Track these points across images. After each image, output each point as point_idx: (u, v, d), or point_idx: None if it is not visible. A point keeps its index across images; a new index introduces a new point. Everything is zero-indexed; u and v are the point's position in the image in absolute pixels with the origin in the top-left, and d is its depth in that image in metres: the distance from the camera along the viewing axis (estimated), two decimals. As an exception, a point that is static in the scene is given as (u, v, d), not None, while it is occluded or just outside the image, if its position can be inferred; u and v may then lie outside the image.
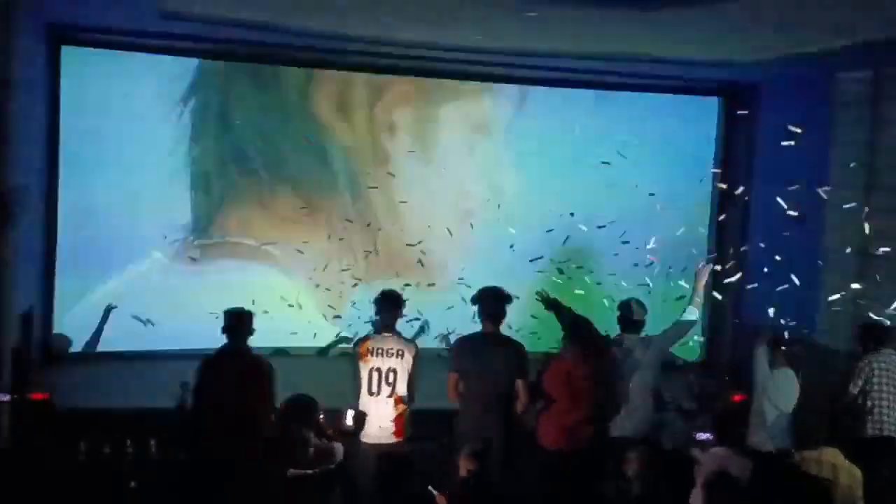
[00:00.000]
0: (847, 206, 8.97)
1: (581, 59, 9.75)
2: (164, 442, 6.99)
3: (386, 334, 6.81)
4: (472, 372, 6.67)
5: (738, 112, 11.00)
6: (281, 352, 9.38)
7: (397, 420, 6.70)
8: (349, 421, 6.56)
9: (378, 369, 6.69)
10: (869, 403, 7.18)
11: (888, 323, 7.35)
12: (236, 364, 6.42)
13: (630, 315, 7.02)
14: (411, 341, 7.01)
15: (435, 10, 7.61)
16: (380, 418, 6.68)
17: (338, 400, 6.76)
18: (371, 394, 6.71)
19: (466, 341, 6.87)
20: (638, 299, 7.19)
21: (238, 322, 6.50)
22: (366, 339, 6.86)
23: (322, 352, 10.16)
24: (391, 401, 6.69)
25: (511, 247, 10.41)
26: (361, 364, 6.73)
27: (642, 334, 7.05)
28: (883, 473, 6.63)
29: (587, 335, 6.69)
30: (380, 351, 6.73)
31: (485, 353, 6.68)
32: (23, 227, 8.38)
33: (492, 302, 6.76)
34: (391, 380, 6.68)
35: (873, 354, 7.25)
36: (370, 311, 7.15)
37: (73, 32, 9.45)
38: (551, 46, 9.27)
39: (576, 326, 6.71)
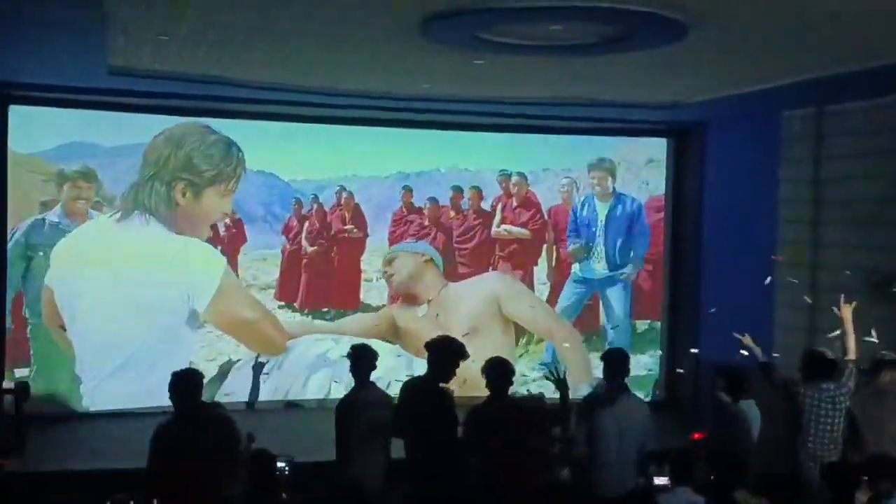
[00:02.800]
0: (793, 280, 9.14)
1: (527, 104, 9.84)
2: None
3: None
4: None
5: (686, 151, 11.22)
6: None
7: None
8: None
9: None
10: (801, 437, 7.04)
11: (830, 354, 7.29)
12: (189, 428, 6.26)
13: None
14: None
15: (381, 59, 7.66)
16: None
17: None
18: None
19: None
20: None
21: (186, 384, 6.29)
22: None
23: None
24: None
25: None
26: None
27: None
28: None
29: None
30: None
31: None
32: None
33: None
34: None
35: (809, 385, 7.10)
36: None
37: (21, 91, 9.39)
38: (500, 93, 9.36)
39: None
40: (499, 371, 6.52)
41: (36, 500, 7.56)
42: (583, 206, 11.50)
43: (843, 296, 7.31)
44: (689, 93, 9.22)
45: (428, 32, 6.51)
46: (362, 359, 6.68)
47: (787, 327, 9.33)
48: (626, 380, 6.83)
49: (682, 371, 10.81)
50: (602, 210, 11.47)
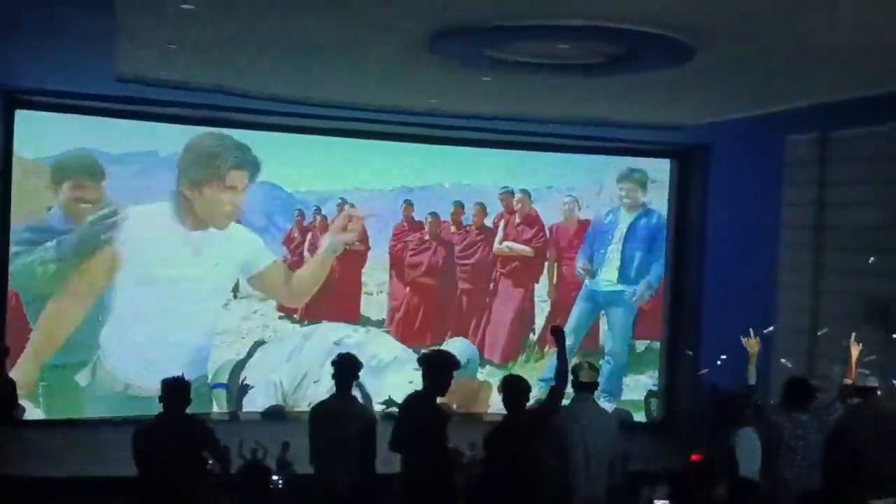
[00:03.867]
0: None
1: (532, 121, 9.87)
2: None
3: None
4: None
5: (690, 173, 11.25)
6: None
7: None
8: None
9: None
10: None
11: (814, 382, 7.24)
12: (170, 435, 6.31)
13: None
14: None
15: (391, 74, 7.69)
16: None
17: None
18: None
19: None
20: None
21: (176, 392, 6.38)
22: None
23: None
24: None
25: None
26: None
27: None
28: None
29: None
30: None
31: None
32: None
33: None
34: None
35: (785, 414, 6.97)
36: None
37: (28, 96, 9.42)
38: (505, 110, 9.40)
39: None
40: (514, 389, 6.60)
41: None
42: (605, 216, 11.53)
43: (854, 334, 7.29)
44: (694, 115, 9.26)
45: (436, 49, 6.53)
46: (346, 369, 6.70)
47: (787, 352, 9.31)
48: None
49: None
50: (626, 220, 11.49)
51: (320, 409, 6.72)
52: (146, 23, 6.26)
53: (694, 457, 7.77)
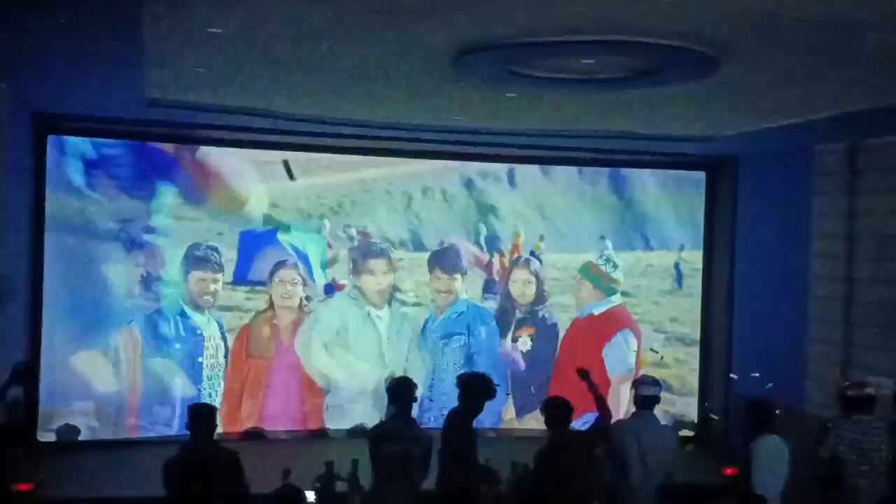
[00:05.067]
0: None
1: (564, 136, 9.87)
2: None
3: None
4: None
5: (719, 184, 11.21)
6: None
7: None
8: None
9: None
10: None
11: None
12: (202, 463, 6.32)
13: None
14: None
15: (416, 91, 7.72)
16: None
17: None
18: None
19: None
20: None
21: (202, 418, 6.41)
22: None
23: None
24: None
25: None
26: None
27: None
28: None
29: None
30: None
31: None
32: (7, 315, 8.34)
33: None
34: None
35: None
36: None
37: (60, 121, 9.55)
38: (532, 124, 9.40)
39: None
40: (557, 410, 6.72)
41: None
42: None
43: None
44: (722, 126, 9.21)
45: (460, 65, 6.56)
46: (403, 392, 6.81)
47: (820, 361, 9.24)
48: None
49: (714, 416, 10.81)
50: None
51: (379, 431, 6.84)
52: (174, 47, 6.33)
53: (728, 471, 7.75)
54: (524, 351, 11.23)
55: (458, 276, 11.13)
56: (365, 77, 7.17)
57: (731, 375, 10.13)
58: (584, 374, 7.06)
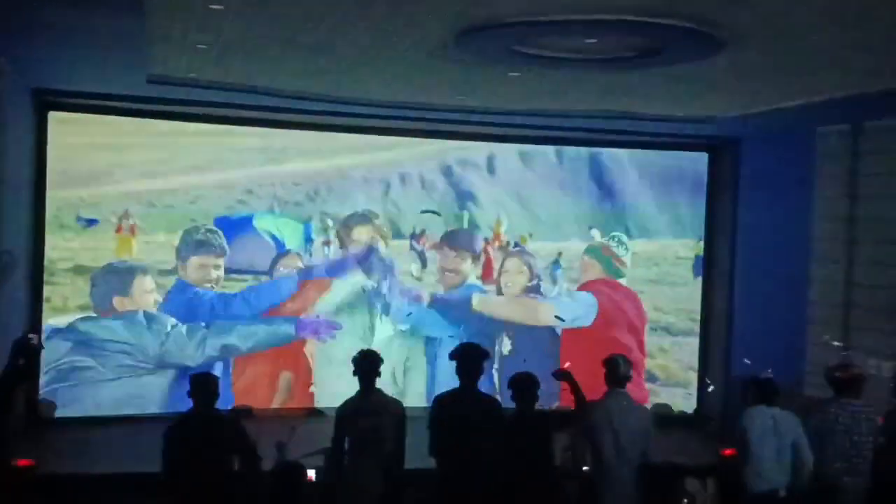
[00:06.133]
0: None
1: (566, 117, 9.84)
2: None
3: None
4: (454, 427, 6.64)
5: (721, 166, 11.19)
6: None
7: None
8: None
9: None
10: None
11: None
12: (203, 430, 6.38)
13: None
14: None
15: (421, 71, 7.70)
16: None
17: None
18: None
19: (445, 398, 6.87)
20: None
21: (204, 387, 6.46)
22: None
23: None
24: None
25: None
26: None
27: None
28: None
29: None
30: None
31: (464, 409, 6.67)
32: (8, 290, 8.35)
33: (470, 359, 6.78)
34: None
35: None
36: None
37: (60, 97, 9.52)
38: (534, 105, 9.37)
39: None
40: (521, 385, 6.73)
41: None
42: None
43: None
44: (724, 107, 9.19)
45: (463, 45, 6.53)
46: (367, 364, 6.78)
47: (821, 343, 9.25)
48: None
49: (711, 386, 10.81)
50: None
51: (346, 407, 6.79)
52: (176, 23, 6.30)
53: (726, 451, 7.79)
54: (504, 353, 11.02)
55: (468, 256, 11.05)
56: (367, 56, 7.15)
57: (745, 361, 10.12)
58: (563, 375, 7.05)
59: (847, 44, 6.26)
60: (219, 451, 6.32)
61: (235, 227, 10.45)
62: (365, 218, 10.79)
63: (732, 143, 11.04)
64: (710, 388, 10.85)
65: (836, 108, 8.45)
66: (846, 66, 6.95)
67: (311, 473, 6.71)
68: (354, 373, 6.79)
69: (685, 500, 7.07)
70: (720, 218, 11.33)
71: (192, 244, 10.21)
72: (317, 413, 10.13)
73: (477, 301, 10.86)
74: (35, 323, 9.55)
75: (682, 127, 10.26)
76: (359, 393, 6.80)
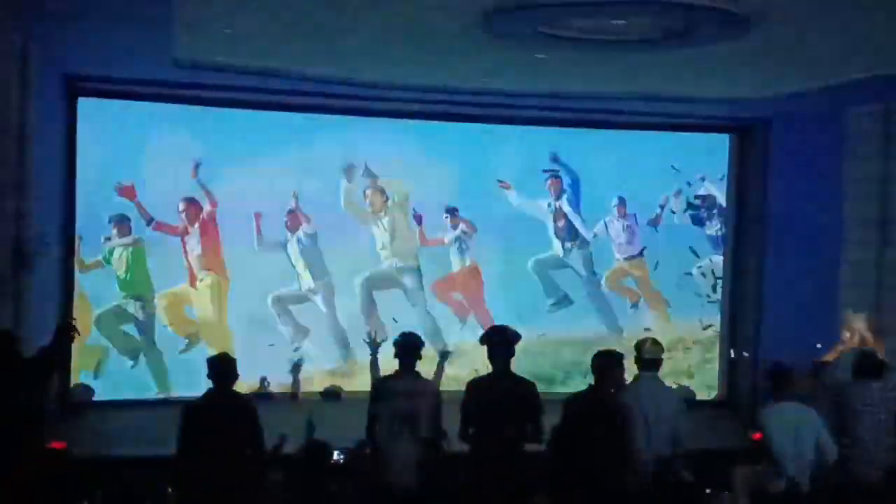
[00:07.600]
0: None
1: (591, 98, 9.79)
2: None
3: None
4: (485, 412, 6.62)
5: (750, 148, 11.08)
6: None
7: None
8: None
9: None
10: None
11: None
12: (223, 409, 6.46)
13: None
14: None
15: (443, 53, 7.68)
16: None
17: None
18: None
19: (479, 381, 6.84)
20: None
21: (224, 367, 6.54)
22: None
23: None
24: None
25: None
26: None
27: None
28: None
29: None
30: None
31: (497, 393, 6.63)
32: (42, 275, 8.42)
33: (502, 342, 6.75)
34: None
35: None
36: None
37: (90, 84, 9.57)
38: (560, 87, 9.33)
39: None
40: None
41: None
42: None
43: None
44: (754, 88, 9.11)
45: (490, 26, 6.51)
46: (407, 347, 6.80)
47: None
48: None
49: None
50: None
51: (387, 383, 6.82)
52: (202, 8, 6.32)
53: (756, 435, 7.71)
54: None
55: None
56: (394, 39, 7.14)
57: (744, 353, 10.05)
58: None
59: (878, 23, 6.19)
60: (235, 432, 6.37)
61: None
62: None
63: (761, 126, 10.93)
64: (745, 354, 10.75)
65: (868, 89, 8.35)
66: (877, 45, 6.87)
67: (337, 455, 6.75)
68: (396, 355, 6.84)
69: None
70: (751, 199, 11.21)
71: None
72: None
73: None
74: (68, 304, 9.63)
75: (710, 108, 10.18)
76: (396, 373, 6.84)
